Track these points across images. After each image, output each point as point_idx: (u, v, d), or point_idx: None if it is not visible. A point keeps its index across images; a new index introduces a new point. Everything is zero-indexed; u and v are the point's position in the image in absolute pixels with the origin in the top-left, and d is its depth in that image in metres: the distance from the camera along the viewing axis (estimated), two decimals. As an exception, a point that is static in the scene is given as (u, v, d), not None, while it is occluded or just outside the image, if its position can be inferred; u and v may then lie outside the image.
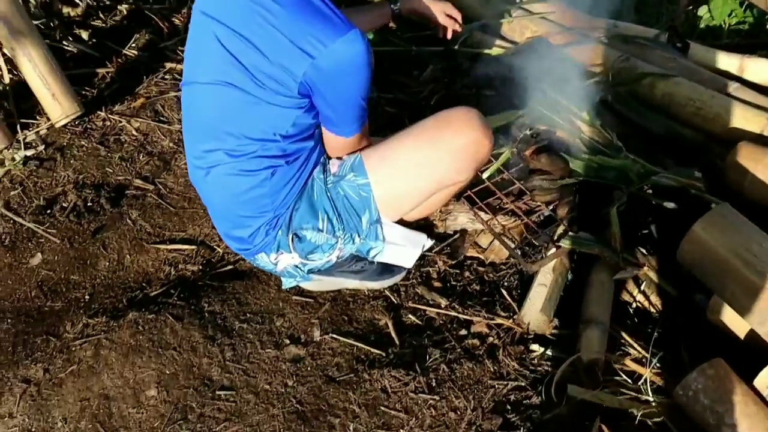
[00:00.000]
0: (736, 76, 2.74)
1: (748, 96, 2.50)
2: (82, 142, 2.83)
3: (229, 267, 2.30)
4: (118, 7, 3.66)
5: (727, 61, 2.79)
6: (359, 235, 1.97)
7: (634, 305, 2.21)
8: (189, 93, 1.92)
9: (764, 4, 3.00)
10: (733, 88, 2.54)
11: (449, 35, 2.53)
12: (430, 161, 1.92)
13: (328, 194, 1.93)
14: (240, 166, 1.84)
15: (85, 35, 3.44)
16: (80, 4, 3.60)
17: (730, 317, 1.86)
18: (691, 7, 3.90)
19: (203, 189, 2.00)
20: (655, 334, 2.01)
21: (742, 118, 2.35)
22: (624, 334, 2.04)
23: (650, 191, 2.22)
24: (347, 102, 1.78)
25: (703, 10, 3.87)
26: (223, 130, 1.82)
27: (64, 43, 3.33)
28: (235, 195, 1.89)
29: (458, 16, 2.50)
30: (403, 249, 2.05)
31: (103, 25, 3.56)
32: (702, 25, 3.85)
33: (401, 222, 2.05)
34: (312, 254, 1.98)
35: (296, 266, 2.02)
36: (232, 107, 1.78)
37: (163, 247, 2.40)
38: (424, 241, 2.09)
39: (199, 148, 1.90)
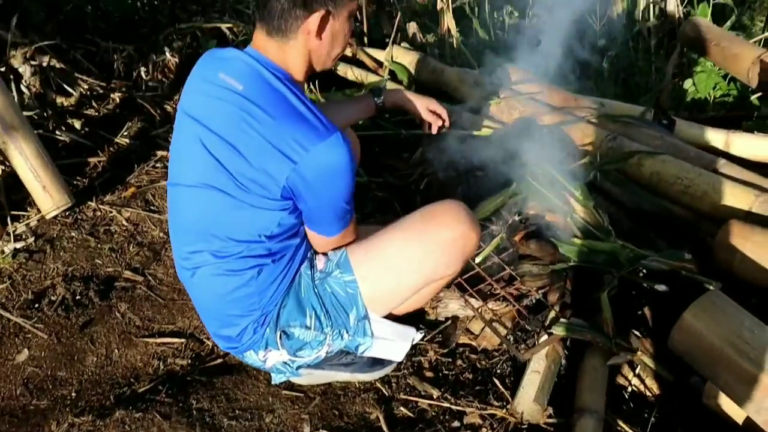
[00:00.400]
0: (723, 151, 2.76)
1: (735, 172, 2.51)
2: (72, 234, 2.83)
3: (219, 361, 2.27)
4: (111, 95, 3.72)
5: (713, 137, 2.82)
6: (347, 332, 1.95)
7: (629, 390, 2.17)
8: (174, 194, 1.93)
9: (746, 78, 3.05)
10: (720, 164, 2.55)
11: (434, 130, 2.52)
12: (417, 257, 1.91)
13: (316, 291, 1.91)
14: (226, 266, 1.83)
15: (77, 124, 3.49)
16: (74, 93, 3.66)
17: (726, 403, 1.83)
18: (677, 80, 3.97)
19: (191, 288, 1.99)
20: (652, 419, 1.97)
21: (730, 195, 2.35)
22: (620, 421, 2.00)
23: (642, 273, 2.21)
24: (330, 205, 1.78)
25: (688, 83, 3.94)
26: (208, 232, 1.82)
27: (57, 132, 3.37)
28: (222, 295, 1.88)
29: (443, 113, 2.50)
30: (393, 343, 2.03)
31: (96, 113, 3.62)
32: (688, 98, 3.91)
33: (390, 315, 2.04)
34: (301, 351, 1.95)
35: (285, 363, 1.99)
36: (217, 210, 1.78)
37: (152, 340, 2.37)
38: (413, 335, 2.07)
39: (184, 249, 1.90)
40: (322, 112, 1.71)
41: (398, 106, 2.49)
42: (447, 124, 2.53)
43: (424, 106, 2.47)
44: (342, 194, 1.76)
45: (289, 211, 1.78)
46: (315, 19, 1.70)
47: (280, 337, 1.92)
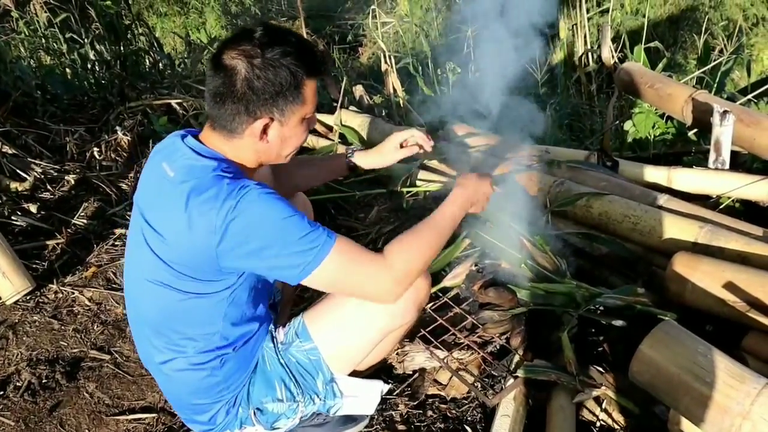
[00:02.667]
0: (666, 187, 2.88)
1: (679, 206, 2.62)
2: (35, 317, 2.82)
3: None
4: (65, 177, 3.74)
5: (655, 174, 2.94)
6: (318, 396, 1.96)
7: (597, 424, 2.21)
8: (128, 286, 1.93)
9: (681, 116, 3.19)
10: (665, 200, 2.65)
11: (428, 149, 2.33)
12: (371, 312, 1.91)
13: (281, 361, 1.93)
14: (189, 360, 1.84)
15: (33, 208, 3.49)
16: (28, 178, 3.67)
17: (689, 428, 1.88)
18: (618, 122, 4.12)
19: (158, 379, 1.99)
20: (622, 452, 2.02)
21: (676, 229, 2.44)
22: (591, 458, 2.05)
23: (600, 310, 2.27)
24: (277, 237, 1.65)
25: (628, 125, 4.09)
26: (164, 328, 1.82)
27: (13, 218, 3.37)
28: (189, 387, 1.89)
29: (421, 140, 2.31)
30: (362, 398, 2.04)
31: (51, 196, 3.62)
32: (630, 139, 4.06)
33: (356, 372, 2.06)
34: (277, 422, 1.96)
35: None
36: (167, 306, 1.77)
37: (123, 417, 2.36)
38: (381, 387, 2.08)
39: (146, 343, 1.89)
40: (243, 176, 1.70)
41: (374, 167, 2.40)
42: (429, 146, 2.33)
43: (397, 156, 2.33)
44: (286, 231, 1.64)
45: (235, 288, 1.77)
46: (258, 125, 1.71)
47: (255, 414, 1.93)
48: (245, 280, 1.78)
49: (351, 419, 2.16)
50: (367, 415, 2.19)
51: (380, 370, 2.39)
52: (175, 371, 1.87)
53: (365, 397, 2.05)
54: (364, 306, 1.89)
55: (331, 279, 1.72)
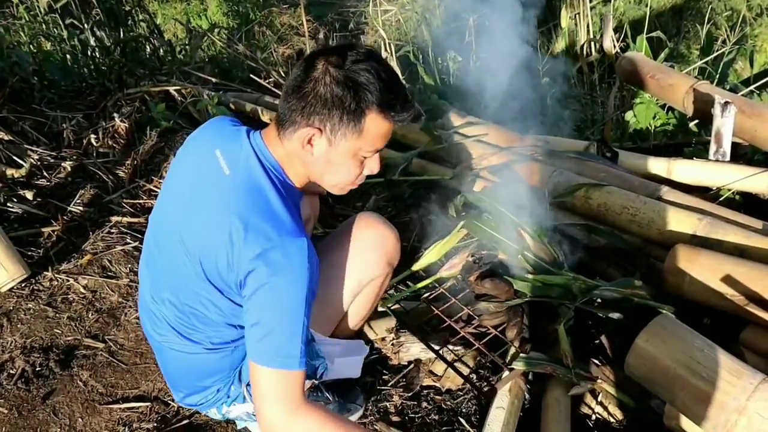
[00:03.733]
0: (665, 178, 2.86)
1: (678, 198, 2.59)
2: (29, 305, 2.80)
3: (185, 422, 2.25)
4: (62, 164, 3.72)
5: (655, 165, 2.91)
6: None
7: (593, 417, 2.21)
8: (154, 258, 1.89)
9: (682, 107, 3.16)
10: (664, 191, 2.63)
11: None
12: (341, 262, 1.97)
13: None
14: (203, 345, 1.84)
15: (29, 195, 3.47)
16: (24, 164, 3.65)
17: (686, 423, 1.87)
18: (618, 112, 4.09)
19: (160, 356, 1.98)
20: (617, 445, 2.01)
21: (675, 221, 2.42)
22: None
23: (597, 303, 2.25)
24: (279, 311, 1.62)
25: (629, 115, 4.06)
26: (188, 307, 1.80)
27: (9, 205, 3.35)
28: (194, 368, 1.89)
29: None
30: (347, 360, 2.04)
31: (48, 183, 3.61)
32: (630, 130, 4.03)
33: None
34: None
35: (248, 413, 2.00)
36: (195, 294, 1.76)
37: (116, 406, 2.35)
38: (363, 346, 2.07)
39: (159, 319, 1.88)
40: (298, 217, 1.67)
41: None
42: None
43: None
44: (292, 310, 1.60)
45: None
46: (307, 131, 1.64)
47: (247, 391, 1.92)
48: None
49: (344, 409, 2.17)
50: (361, 406, 2.20)
51: (375, 361, 2.39)
52: (183, 354, 1.86)
53: (350, 358, 2.05)
54: (337, 256, 1.97)
55: (253, 375, 1.64)
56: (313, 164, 1.71)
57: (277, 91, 4.55)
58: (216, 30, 5.91)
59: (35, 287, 2.91)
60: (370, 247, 2.03)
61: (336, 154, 1.68)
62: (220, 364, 1.88)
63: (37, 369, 2.51)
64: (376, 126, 1.65)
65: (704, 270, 2.15)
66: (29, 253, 3.09)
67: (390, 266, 2.14)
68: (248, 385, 1.92)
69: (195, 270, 1.71)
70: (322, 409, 1.67)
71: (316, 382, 2.10)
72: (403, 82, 1.71)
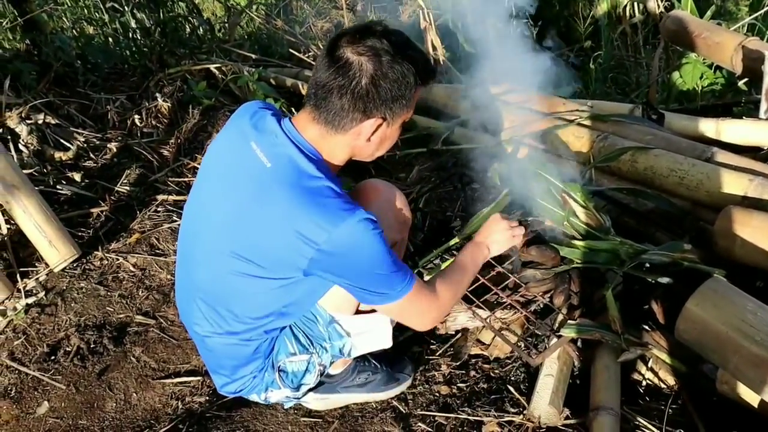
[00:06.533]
0: (714, 139, 2.79)
1: (728, 159, 2.53)
2: (82, 284, 2.86)
3: (236, 395, 2.29)
4: (108, 145, 3.77)
5: (703, 127, 2.84)
6: (326, 341, 1.96)
7: (644, 383, 2.18)
8: (188, 252, 1.92)
9: (731, 65, 3.08)
10: (713, 152, 2.56)
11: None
12: None
13: None
14: (238, 337, 1.86)
15: (77, 177, 3.53)
16: (71, 147, 3.71)
17: (740, 387, 1.84)
18: (664, 73, 4.00)
19: (199, 344, 2.01)
20: (669, 411, 1.98)
21: (725, 182, 2.36)
22: (637, 416, 2.01)
23: (645, 268, 2.22)
24: (368, 275, 1.70)
25: (675, 76, 3.97)
26: (223, 303, 1.83)
27: (58, 187, 3.41)
28: (230, 356, 1.92)
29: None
30: (373, 333, 2.02)
31: (94, 164, 3.66)
32: (676, 91, 3.94)
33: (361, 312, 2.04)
34: (302, 380, 1.98)
35: (288, 396, 2.03)
36: (235, 283, 1.77)
37: (168, 381, 2.40)
38: (389, 317, 2.05)
39: (195, 311, 1.90)
40: (344, 193, 1.68)
41: None
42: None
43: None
44: (377, 265, 1.68)
45: (311, 283, 1.78)
46: (371, 124, 1.68)
47: (280, 377, 1.94)
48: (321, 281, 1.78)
49: (393, 379, 2.18)
50: (409, 375, 2.22)
51: (423, 331, 2.39)
52: (222, 345, 1.89)
53: (376, 332, 2.03)
54: None
55: (393, 312, 1.85)
56: (363, 149, 1.77)
57: (316, 65, 4.53)
58: (254, 6, 5.89)
59: (86, 267, 2.97)
60: (382, 216, 1.92)
61: (391, 132, 1.76)
62: (254, 353, 1.90)
63: (91, 346, 2.57)
64: (418, 95, 1.75)
65: (756, 232, 2.10)
66: (79, 233, 3.15)
67: (405, 228, 2.15)
68: (281, 371, 1.94)
69: (240, 262, 1.73)
70: (440, 284, 1.89)
71: (348, 358, 2.11)
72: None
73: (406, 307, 1.78)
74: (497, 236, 2.15)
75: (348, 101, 1.63)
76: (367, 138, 1.72)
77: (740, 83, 3.69)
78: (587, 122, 2.94)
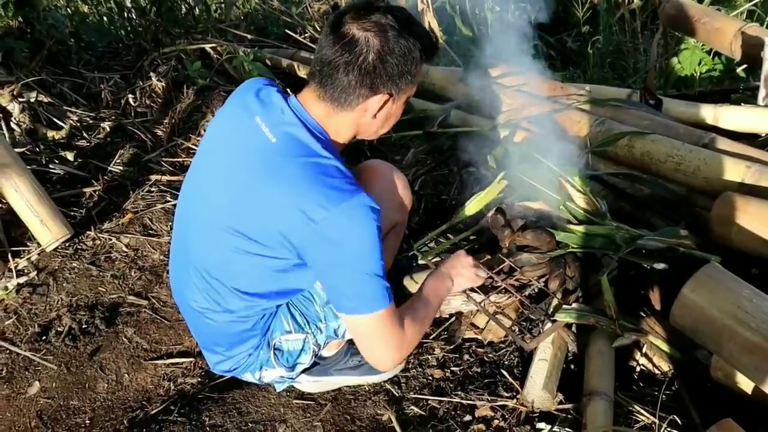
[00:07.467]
0: (712, 125, 2.77)
1: (725, 145, 2.52)
2: (74, 264, 2.85)
3: (228, 376, 2.28)
4: (101, 125, 3.75)
5: (701, 113, 2.83)
6: (321, 321, 1.94)
7: (638, 369, 2.18)
8: (185, 230, 1.91)
9: (729, 51, 3.06)
10: (710, 138, 2.55)
11: None
12: None
13: None
14: (235, 314, 1.85)
15: (70, 156, 3.51)
16: (64, 126, 3.68)
17: (734, 374, 1.83)
18: (662, 59, 3.98)
19: (191, 321, 1.99)
20: (663, 397, 1.98)
21: (722, 168, 2.35)
22: (630, 401, 2.01)
23: (641, 253, 2.21)
24: (353, 271, 1.67)
25: (673, 62, 3.95)
26: (220, 281, 1.81)
27: (50, 166, 3.39)
28: (225, 334, 1.91)
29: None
30: None
31: (88, 144, 3.64)
32: (674, 77, 3.92)
33: None
34: (297, 360, 1.97)
35: (282, 376, 2.02)
36: (234, 260, 1.76)
37: (160, 362, 2.39)
38: None
39: (191, 287, 1.89)
40: (349, 172, 1.67)
41: None
42: None
43: None
44: (366, 259, 1.65)
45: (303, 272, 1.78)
46: (377, 100, 1.68)
47: (275, 356, 1.93)
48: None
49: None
50: (403, 359, 2.19)
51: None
52: (217, 323, 1.88)
53: None
54: None
55: (358, 330, 1.78)
56: (368, 126, 1.77)
57: (313, 45, 4.50)
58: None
59: (79, 247, 2.95)
60: (383, 198, 1.91)
61: (396, 108, 1.77)
62: (251, 330, 1.89)
63: (83, 326, 2.56)
64: (422, 70, 1.76)
65: (753, 219, 2.09)
66: (72, 213, 3.13)
67: (405, 210, 2.14)
68: (276, 350, 1.93)
69: (238, 239, 1.71)
70: (407, 318, 1.84)
71: (342, 340, 2.10)
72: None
73: (372, 327, 1.74)
74: (462, 271, 2.14)
75: (355, 77, 1.63)
76: (374, 114, 1.71)
77: (738, 70, 3.66)
78: (585, 106, 2.92)
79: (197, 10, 5.44)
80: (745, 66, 3.56)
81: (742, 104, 2.85)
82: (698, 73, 3.81)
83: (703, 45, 3.73)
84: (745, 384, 1.82)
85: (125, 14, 5.06)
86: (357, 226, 1.61)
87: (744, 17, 4.08)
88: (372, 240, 1.63)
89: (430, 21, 4.24)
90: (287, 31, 4.86)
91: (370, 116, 1.71)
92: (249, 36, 4.85)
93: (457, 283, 2.13)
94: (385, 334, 1.76)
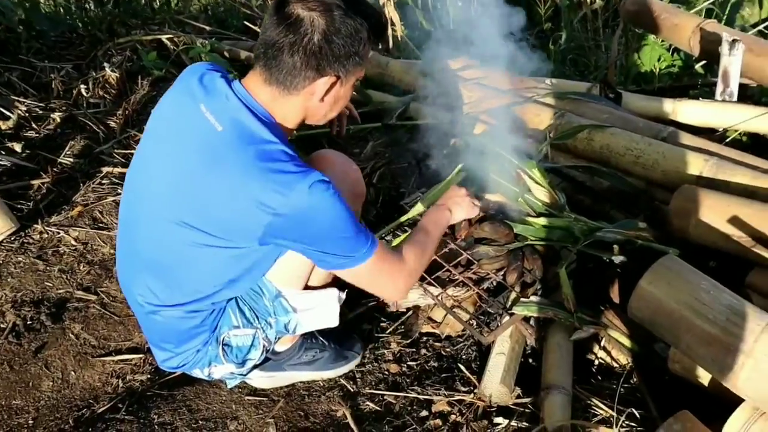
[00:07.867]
0: (671, 120, 2.78)
1: (684, 139, 2.53)
2: (19, 258, 2.75)
3: (179, 372, 2.21)
4: (51, 115, 3.65)
5: (660, 107, 2.84)
6: (271, 316, 1.89)
7: (596, 362, 2.16)
8: (131, 222, 1.85)
9: (688, 47, 3.07)
10: (669, 132, 2.56)
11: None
12: None
13: None
14: (184, 309, 1.80)
15: (18, 147, 3.41)
16: (11, 116, 3.58)
17: (691, 366, 1.82)
18: (622, 55, 3.99)
19: (141, 317, 1.92)
20: (621, 390, 1.96)
21: (681, 162, 2.36)
22: (589, 395, 1.99)
23: (601, 244, 2.19)
24: (328, 239, 1.67)
25: (633, 58, 3.97)
26: (170, 275, 1.77)
27: (-3, 158, 3.28)
28: (174, 330, 1.85)
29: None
30: (320, 310, 1.96)
31: (37, 135, 3.54)
32: (634, 73, 3.94)
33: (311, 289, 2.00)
34: (246, 356, 1.92)
35: (232, 373, 1.97)
36: (183, 252, 1.71)
37: (109, 359, 2.31)
38: (337, 294, 1.99)
39: (139, 283, 1.83)
40: (299, 158, 1.63)
41: None
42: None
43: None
44: (339, 225, 1.64)
45: (264, 253, 1.73)
46: (324, 82, 1.63)
47: (224, 352, 1.88)
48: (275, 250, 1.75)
49: (342, 356, 2.14)
50: (358, 353, 2.18)
51: (373, 308, 2.34)
52: (167, 318, 1.82)
53: (323, 308, 1.97)
54: None
55: (362, 279, 1.81)
56: (316, 110, 1.73)
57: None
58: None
59: (25, 240, 2.86)
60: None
61: (344, 91, 1.73)
62: (200, 326, 1.83)
63: (28, 323, 2.47)
64: (370, 52, 1.72)
65: (710, 211, 2.09)
66: (18, 206, 3.03)
67: (359, 201, 2.11)
68: (225, 345, 1.88)
69: (195, 233, 1.66)
70: (407, 247, 1.90)
71: (294, 335, 2.05)
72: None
73: (373, 271, 1.76)
74: (459, 200, 2.20)
75: (300, 59, 1.58)
76: (321, 98, 1.66)
77: (697, 66, 3.69)
78: (545, 100, 2.91)
79: (157, 2, 5.35)
80: (703, 62, 3.58)
81: (701, 99, 2.86)
82: (658, 69, 3.83)
83: (662, 41, 3.75)
84: (703, 376, 1.82)
85: (82, 3, 4.95)
86: (318, 201, 1.58)
87: (703, 14, 4.11)
88: (336, 208, 1.61)
89: (391, 14, 4.20)
90: (246, 23, 4.79)
91: (317, 100, 1.67)
92: (208, 28, 4.78)
93: (456, 211, 2.18)
94: (386, 271, 1.80)
